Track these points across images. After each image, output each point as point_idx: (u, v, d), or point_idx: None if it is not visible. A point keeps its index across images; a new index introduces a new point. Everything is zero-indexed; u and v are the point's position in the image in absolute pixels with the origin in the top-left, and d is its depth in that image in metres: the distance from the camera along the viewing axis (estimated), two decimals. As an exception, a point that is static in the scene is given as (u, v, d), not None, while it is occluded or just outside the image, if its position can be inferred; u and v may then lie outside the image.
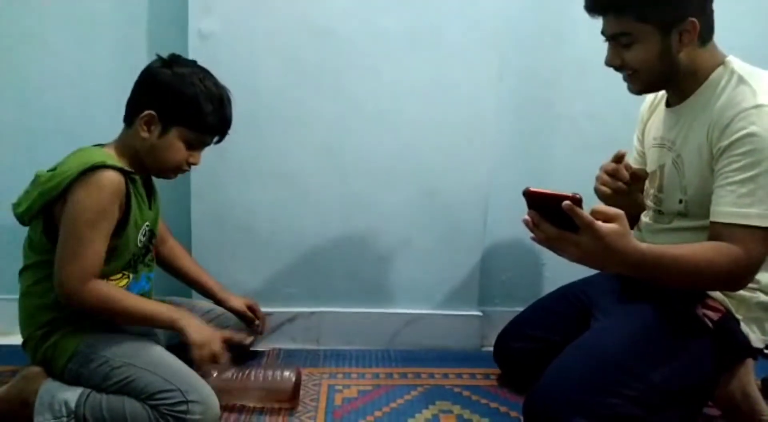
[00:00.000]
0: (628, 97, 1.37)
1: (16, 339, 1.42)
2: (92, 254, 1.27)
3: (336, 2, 1.69)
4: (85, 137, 1.36)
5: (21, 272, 1.37)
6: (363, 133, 1.77)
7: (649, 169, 1.44)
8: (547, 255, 1.84)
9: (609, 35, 1.27)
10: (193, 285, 1.65)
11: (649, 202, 1.44)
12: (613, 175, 1.36)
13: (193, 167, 1.45)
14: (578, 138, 1.90)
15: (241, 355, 1.66)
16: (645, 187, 1.44)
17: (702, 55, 1.26)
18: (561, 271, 1.65)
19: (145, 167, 1.38)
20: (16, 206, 1.33)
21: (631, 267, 1.08)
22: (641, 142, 1.52)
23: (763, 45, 1.73)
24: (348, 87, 1.74)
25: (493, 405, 1.55)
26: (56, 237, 1.28)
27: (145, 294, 1.48)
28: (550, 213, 1.03)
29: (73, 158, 1.30)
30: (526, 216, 1.08)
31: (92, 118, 1.71)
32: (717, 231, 1.18)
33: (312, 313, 1.85)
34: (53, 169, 1.30)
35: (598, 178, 1.39)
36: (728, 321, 1.26)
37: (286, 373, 1.48)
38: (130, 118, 1.36)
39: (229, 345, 1.60)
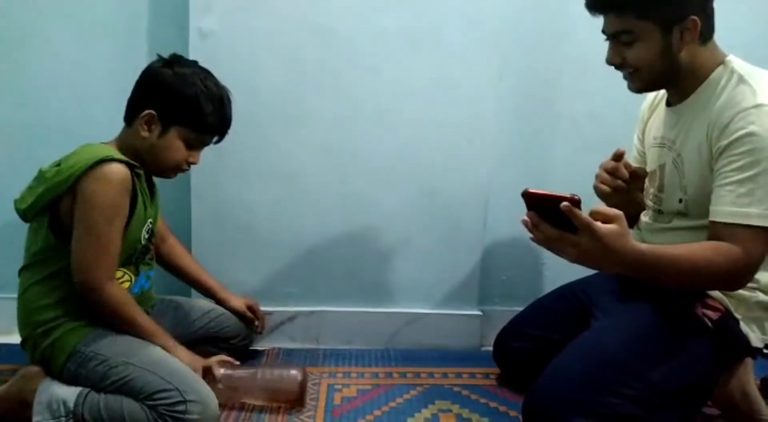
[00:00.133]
0: (628, 96, 1.37)
1: (16, 338, 1.42)
2: (114, 250, 1.30)
3: (336, 2, 1.69)
4: (85, 136, 1.36)
5: (21, 271, 1.38)
6: (363, 133, 1.77)
7: (649, 169, 1.44)
8: (547, 255, 1.84)
9: (610, 33, 1.27)
10: (193, 284, 1.65)
11: (649, 202, 1.43)
12: (612, 173, 1.36)
13: (192, 167, 1.45)
14: (578, 137, 1.90)
15: (241, 355, 1.67)
16: (645, 187, 1.44)
17: (702, 54, 1.26)
18: (561, 271, 1.65)
19: (144, 166, 1.38)
20: (18, 202, 1.33)
21: (630, 267, 1.08)
22: (641, 141, 1.52)
23: (763, 45, 1.73)
24: (348, 86, 1.74)
25: (492, 404, 1.55)
26: (63, 233, 1.29)
27: (145, 293, 1.48)
28: (548, 214, 1.03)
29: (79, 153, 1.30)
30: (525, 217, 1.08)
31: (92, 116, 1.71)
32: (716, 231, 1.18)
33: (312, 313, 1.85)
34: (57, 165, 1.30)
35: (597, 177, 1.38)
36: (728, 321, 1.26)
37: (293, 372, 1.48)
38: (130, 117, 1.37)
39: (229, 345, 1.61)
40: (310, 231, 1.81)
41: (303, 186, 1.78)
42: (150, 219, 1.41)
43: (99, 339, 1.33)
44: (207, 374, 1.38)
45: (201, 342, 1.58)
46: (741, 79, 1.21)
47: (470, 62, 1.74)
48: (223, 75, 1.43)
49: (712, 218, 1.19)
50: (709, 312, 1.26)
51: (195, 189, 1.75)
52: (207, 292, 1.65)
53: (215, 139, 1.44)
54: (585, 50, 1.77)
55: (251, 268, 1.81)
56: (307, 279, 1.83)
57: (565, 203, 0.99)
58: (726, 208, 1.16)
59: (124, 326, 1.34)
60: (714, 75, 1.26)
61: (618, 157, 1.35)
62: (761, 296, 1.27)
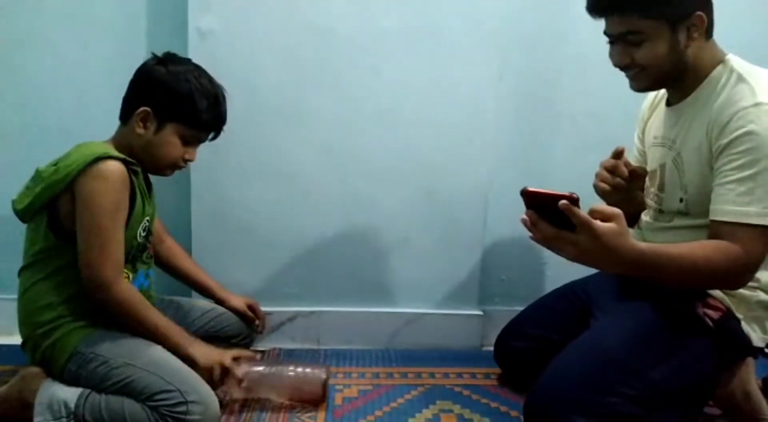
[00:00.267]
0: (628, 95, 1.36)
1: (16, 339, 1.42)
2: (119, 247, 1.30)
3: (336, 1, 1.69)
4: (85, 135, 1.36)
5: (20, 271, 1.38)
6: (363, 133, 1.77)
7: (649, 168, 1.43)
8: (548, 255, 1.83)
9: (616, 35, 1.25)
10: (193, 284, 1.65)
11: (649, 201, 1.43)
12: (612, 171, 1.36)
13: (189, 164, 1.45)
14: (578, 137, 1.90)
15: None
16: (645, 186, 1.44)
17: (705, 52, 1.26)
18: (561, 270, 1.65)
19: (141, 164, 1.39)
20: (15, 203, 1.33)
21: (629, 266, 1.08)
22: (642, 141, 1.52)
23: (764, 44, 1.73)
24: (348, 86, 1.74)
25: (493, 404, 1.55)
26: (62, 232, 1.29)
27: (145, 292, 1.48)
28: (547, 213, 1.03)
29: (76, 152, 1.30)
30: (524, 216, 1.08)
31: (91, 116, 1.71)
32: (716, 230, 1.18)
33: (312, 313, 1.85)
34: (54, 164, 1.31)
35: (597, 175, 1.38)
36: (729, 320, 1.26)
37: (317, 371, 1.49)
38: (125, 115, 1.37)
39: (229, 345, 1.61)
40: (310, 231, 1.81)
41: (303, 186, 1.78)
42: (147, 217, 1.41)
43: (100, 340, 1.33)
44: (225, 372, 1.38)
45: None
46: (740, 78, 1.21)
47: (470, 62, 1.74)
48: (222, 75, 1.43)
49: (712, 217, 1.19)
50: (710, 312, 1.26)
51: (195, 189, 1.75)
52: (206, 292, 1.65)
53: (211, 135, 1.44)
54: (585, 50, 1.77)
55: (251, 268, 1.81)
56: (307, 280, 1.83)
57: (563, 201, 0.99)
58: (726, 206, 1.16)
59: (135, 324, 1.33)
60: (714, 74, 1.26)
61: (617, 154, 1.35)
62: (762, 295, 1.27)
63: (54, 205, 1.29)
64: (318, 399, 1.47)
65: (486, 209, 1.83)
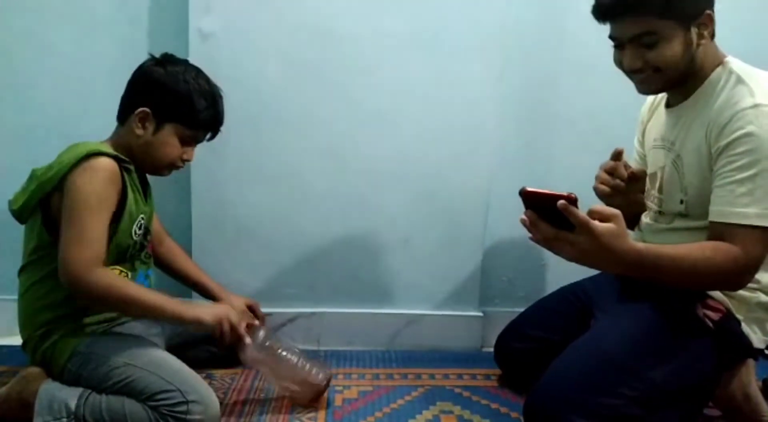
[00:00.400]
0: (628, 97, 1.37)
1: (16, 340, 1.42)
2: (96, 240, 1.26)
3: (337, 3, 1.70)
4: (85, 137, 1.36)
5: (20, 271, 1.38)
6: (364, 134, 1.77)
7: (649, 171, 1.43)
8: (548, 256, 1.84)
9: (629, 37, 1.23)
10: (193, 285, 1.65)
11: (650, 203, 1.43)
12: (611, 173, 1.36)
13: (189, 166, 1.45)
14: (579, 138, 1.90)
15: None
16: (646, 188, 1.44)
17: (708, 53, 1.26)
18: (562, 272, 1.65)
19: (139, 164, 1.39)
20: (12, 203, 1.34)
21: (628, 266, 1.08)
22: (642, 143, 1.52)
23: (764, 45, 1.73)
24: (348, 87, 1.74)
25: (493, 405, 1.54)
26: (56, 230, 1.29)
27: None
28: (546, 213, 1.04)
29: (69, 151, 1.31)
30: (523, 216, 1.08)
31: (92, 117, 1.70)
32: (716, 231, 1.18)
33: (312, 314, 1.85)
34: (48, 164, 1.31)
35: (597, 177, 1.38)
36: (729, 322, 1.26)
37: (320, 375, 1.48)
38: (123, 115, 1.38)
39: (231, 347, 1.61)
40: (310, 233, 1.81)
41: (303, 187, 1.78)
42: (142, 216, 1.41)
43: (99, 340, 1.33)
44: (235, 332, 1.37)
45: (201, 341, 1.59)
46: (739, 80, 1.21)
47: (471, 63, 1.74)
48: (223, 76, 1.43)
49: (711, 218, 1.19)
50: (710, 313, 1.26)
51: (195, 190, 1.75)
52: (206, 293, 1.64)
53: (208, 135, 1.44)
54: (585, 52, 1.78)
55: (252, 270, 1.81)
56: (307, 281, 1.84)
57: (561, 201, 0.99)
58: (725, 208, 1.16)
59: (126, 307, 1.30)
60: (713, 75, 1.26)
61: (616, 155, 1.35)
62: (762, 297, 1.27)
63: (47, 203, 1.30)
64: (312, 399, 1.48)
65: (486, 210, 1.83)
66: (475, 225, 1.84)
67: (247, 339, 1.40)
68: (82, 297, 1.28)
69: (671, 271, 1.13)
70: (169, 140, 1.37)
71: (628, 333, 1.27)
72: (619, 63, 1.29)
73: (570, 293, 1.60)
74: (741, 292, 1.25)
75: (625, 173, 1.36)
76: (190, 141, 1.41)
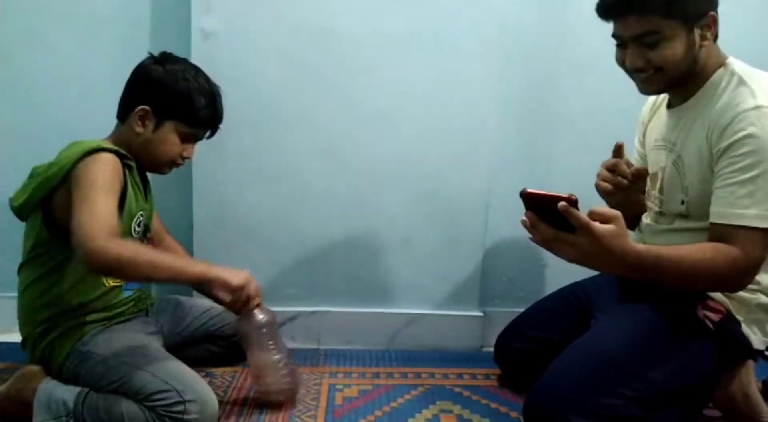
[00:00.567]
0: (629, 97, 1.37)
1: (15, 337, 1.42)
2: (110, 214, 1.22)
3: (337, 2, 1.70)
4: (86, 136, 1.36)
5: (20, 269, 1.38)
6: (364, 134, 1.77)
7: (650, 171, 1.43)
8: (548, 256, 1.84)
9: (632, 36, 1.23)
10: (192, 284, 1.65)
11: (650, 204, 1.43)
12: (612, 170, 1.36)
13: (191, 165, 1.45)
14: (579, 138, 1.90)
15: (242, 353, 1.67)
16: (646, 189, 1.44)
17: (710, 55, 1.26)
18: (562, 272, 1.65)
19: (139, 162, 1.40)
20: (13, 200, 1.34)
21: (628, 267, 1.08)
22: (642, 144, 1.51)
23: (766, 46, 1.73)
24: (349, 87, 1.74)
25: (493, 405, 1.54)
26: (56, 227, 1.29)
27: (145, 289, 1.49)
28: (547, 214, 1.04)
29: (70, 148, 1.31)
30: (524, 217, 1.08)
31: (94, 117, 1.68)
32: (716, 232, 1.18)
33: (313, 313, 1.85)
34: (49, 162, 1.31)
35: (598, 175, 1.38)
36: (729, 323, 1.26)
37: (280, 388, 1.46)
38: (123, 114, 1.38)
39: (229, 343, 1.61)
40: (311, 232, 1.81)
41: (304, 187, 1.78)
42: (141, 213, 1.41)
43: (98, 339, 1.33)
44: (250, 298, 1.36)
45: (200, 340, 1.59)
46: (741, 81, 1.21)
47: (471, 63, 1.74)
48: (224, 75, 1.43)
49: (712, 219, 1.19)
50: (710, 314, 1.26)
51: (196, 190, 1.75)
52: (206, 291, 1.65)
53: (207, 133, 1.45)
54: (585, 52, 1.78)
55: (252, 269, 1.76)
56: (308, 280, 1.84)
57: (561, 203, 0.99)
58: (726, 209, 1.16)
59: (149, 272, 1.24)
60: (715, 77, 1.26)
61: (617, 150, 1.35)
62: (763, 298, 1.27)
63: (48, 201, 1.30)
64: (281, 400, 1.47)
65: (487, 210, 1.83)
66: (476, 225, 1.84)
67: (257, 311, 1.39)
68: (103, 268, 1.22)
69: (671, 272, 1.12)
70: (169, 138, 1.38)
71: (628, 333, 1.27)
72: (621, 62, 1.29)
73: (570, 293, 1.60)
74: (741, 293, 1.25)
75: (626, 170, 1.35)
76: (190, 138, 1.41)
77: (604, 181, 1.37)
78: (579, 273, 1.38)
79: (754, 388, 1.36)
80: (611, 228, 1.03)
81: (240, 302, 1.34)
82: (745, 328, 1.26)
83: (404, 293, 1.87)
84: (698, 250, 1.15)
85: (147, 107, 1.35)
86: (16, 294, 1.38)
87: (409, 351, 1.85)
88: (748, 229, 1.13)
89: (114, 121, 1.41)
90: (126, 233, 1.37)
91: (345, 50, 1.72)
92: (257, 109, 1.71)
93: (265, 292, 1.76)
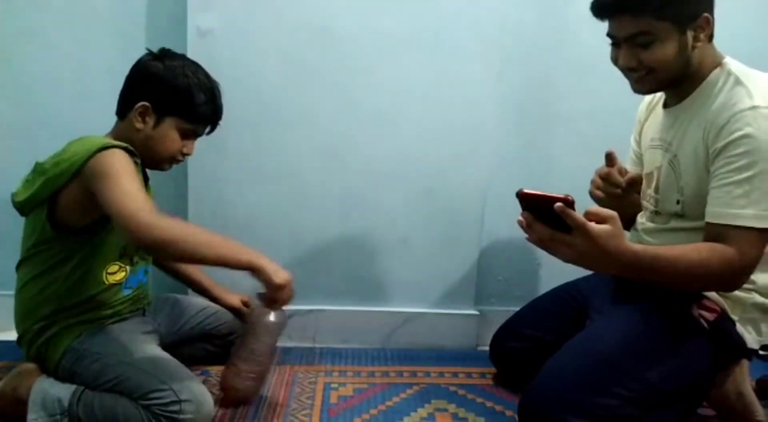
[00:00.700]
0: (627, 97, 1.36)
1: (11, 335, 1.42)
2: (144, 194, 1.22)
3: (336, 1, 1.69)
4: (83, 134, 1.35)
5: (19, 265, 1.37)
6: (362, 133, 1.77)
7: (646, 170, 1.44)
8: (544, 256, 1.83)
9: (624, 36, 1.24)
10: (189, 282, 1.65)
11: (646, 203, 1.43)
12: (606, 179, 1.36)
13: (187, 163, 1.45)
14: (577, 138, 1.90)
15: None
16: (642, 188, 1.44)
17: (706, 55, 1.26)
18: (557, 271, 1.65)
19: (139, 158, 1.39)
20: (15, 196, 1.33)
21: (624, 268, 1.09)
22: (638, 143, 1.51)
23: (764, 47, 1.74)
24: (347, 86, 1.74)
25: (488, 404, 1.55)
26: (60, 225, 1.29)
27: (144, 288, 1.49)
28: (543, 215, 1.04)
29: (78, 144, 1.29)
30: (520, 217, 1.08)
31: (90, 114, 1.68)
32: (712, 232, 1.18)
33: (309, 311, 1.84)
34: (54, 157, 1.30)
35: (592, 182, 1.39)
36: (724, 322, 1.26)
37: (241, 392, 1.44)
38: (123, 110, 1.38)
39: (225, 342, 1.62)
40: (307, 231, 1.81)
41: (301, 185, 1.78)
42: None
43: (95, 337, 1.33)
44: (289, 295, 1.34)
45: (196, 339, 1.59)
46: (737, 81, 1.21)
47: (470, 63, 1.75)
48: (221, 74, 1.43)
49: (708, 219, 1.20)
50: (705, 313, 1.26)
51: (192, 188, 1.74)
52: (202, 290, 1.65)
53: (207, 129, 1.44)
54: (584, 52, 1.78)
55: (249, 267, 1.80)
56: (304, 278, 1.81)
57: (558, 204, 0.99)
58: (722, 209, 1.16)
59: (194, 255, 1.23)
60: (711, 76, 1.26)
61: (608, 158, 1.36)
62: (758, 297, 1.27)
63: (55, 198, 1.29)
64: (223, 383, 1.45)
65: (484, 210, 1.84)
66: (473, 225, 1.84)
67: (276, 313, 1.39)
68: (156, 242, 1.18)
69: (667, 273, 1.13)
70: (169, 134, 1.37)
71: (623, 333, 1.28)
72: (615, 61, 1.29)
73: (565, 293, 1.61)
74: (736, 293, 1.25)
75: (619, 179, 1.36)
76: (190, 134, 1.41)
77: (597, 189, 1.37)
78: (574, 272, 1.38)
79: (749, 387, 1.36)
80: (607, 228, 1.03)
81: (273, 299, 1.33)
82: (739, 327, 1.27)
83: (400, 292, 1.87)
84: (694, 250, 1.15)
85: (147, 103, 1.34)
86: (11, 292, 1.38)
87: (405, 349, 1.85)
88: (744, 229, 1.14)
89: (111, 118, 1.40)
90: None
91: (344, 49, 1.71)
92: (255, 108, 1.71)
93: (258, 289, 1.78)
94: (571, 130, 1.91)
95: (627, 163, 1.53)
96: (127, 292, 1.43)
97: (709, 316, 1.26)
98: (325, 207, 1.80)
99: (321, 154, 1.77)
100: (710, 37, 1.25)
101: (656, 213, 1.39)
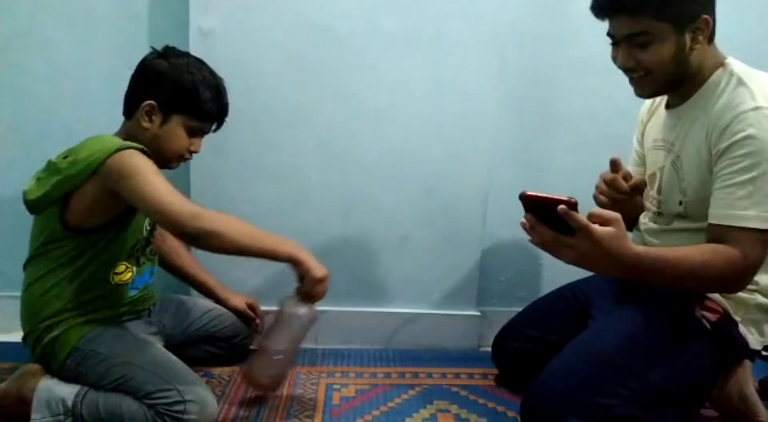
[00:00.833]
0: (627, 96, 1.36)
1: (15, 337, 1.42)
2: (175, 188, 1.23)
3: (337, 1, 1.69)
4: (84, 134, 1.35)
5: (26, 263, 1.37)
6: (363, 132, 1.77)
7: (648, 171, 1.44)
8: (546, 256, 1.82)
9: (623, 36, 1.24)
10: (194, 284, 1.65)
11: (648, 204, 1.44)
12: (611, 185, 1.36)
13: (189, 162, 1.46)
14: (578, 137, 1.90)
15: (241, 354, 1.67)
16: (645, 189, 1.44)
17: (706, 56, 1.26)
18: (559, 272, 1.64)
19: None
20: (27, 194, 1.32)
21: (628, 270, 1.09)
22: (641, 143, 1.52)
23: (764, 46, 1.74)
24: (348, 85, 1.74)
25: (490, 405, 1.55)
26: (71, 225, 1.29)
27: (150, 289, 1.49)
28: (546, 217, 1.04)
29: (92, 143, 1.28)
30: (523, 219, 1.08)
31: (92, 115, 1.70)
32: (715, 233, 1.18)
33: (311, 312, 1.84)
34: (66, 156, 1.29)
35: (597, 187, 1.39)
36: (726, 323, 1.26)
37: (266, 381, 1.46)
38: (129, 110, 1.38)
39: (229, 344, 1.62)
40: (309, 231, 1.80)
41: (302, 185, 1.78)
42: None
43: (100, 337, 1.33)
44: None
45: (201, 340, 1.59)
46: (740, 82, 1.21)
47: (470, 62, 1.74)
48: (222, 74, 1.43)
49: (710, 220, 1.20)
50: (707, 314, 1.26)
51: (194, 188, 1.74)
52: (207, 292, 1.65)
53: (214, 126, 1.45)
54: (584, 51, 1.78)
55: (251, 267, 1.79)
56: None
57: (561, 206, 0.99)
58: (724, 210, 1.16)
59: (236, 247, 1.26)
60: (713, 77, 1.26)
61: (614, 166, 1.36)
62: (760, 298, 1.27)
63: (67, 198, 1.28)
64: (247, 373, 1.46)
65: (485, 209, 1.84)
66: (474, 225, 1.84)
67: (309, 306, 1.40)
68: (200, 234, 1.20)
69: (670, 274, 1.13)
70: (176, 132, 1.37)
71: (625, 333, 1.28)
72: (614, 60, 1.30)
73: (567, 293, 1.61)
74: (739, 294, 1.25)
75: (624, 185, 1.36)
76: (197, 132, 1.41)
77: (602, 194, 1.38)
78: (576, 273, 1.37)
79: (751, 388, 1.36)
80: (610, 230, 1.03)
81: (309, 294, 1.35)
82: (742, 328, 1.27)
83: (402, 292, 1.88)
84: (697, 252, 1.15)
85: (153, 102, 1.34)
86: (15, 293, 1.38)
87: (407, 350, 1.85)
88: (747, 231, 1.14)
89: (112, 118, 1.40)
90: (138, 231, 1.38)
91: (345, 49, 1.71)
92: (256, 108, 1.71)
93: (263, 291, 1.79)
94: (571, 130, 1.90)
95: (629, 163, 1.53)
96: (133, 293, 1.43)
97: (712, 317, 1.26)
98: (325, 205, 1.80)
99: (321, 152, 1.77)
100: (710, 39, 1.25)
101: (659, 213, 1.39)
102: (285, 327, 1.41)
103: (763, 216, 1.13)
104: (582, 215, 1.02)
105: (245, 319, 1.67)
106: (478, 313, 1.91)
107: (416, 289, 1.88)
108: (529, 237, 1.10)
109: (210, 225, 1.20)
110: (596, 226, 1.02)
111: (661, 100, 1.42)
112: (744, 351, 1.28)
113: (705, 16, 1.20)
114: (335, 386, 1.61)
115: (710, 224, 1.20)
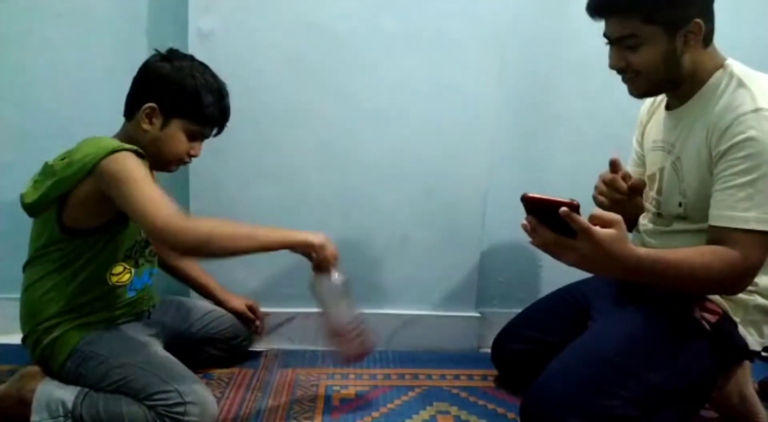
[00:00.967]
0: (627, 97, 1.36)
1: (15, 339, 1.42)
2: (166, 197, 1.23)
3: (336, 1, 1.69)
4: (84, 134, 1.35)
5: (25, 265, 1.37)
6: (362, 132, 1.77)
7: (648, 172, 1.44)
8: (545, 257, 1.82)
9: (614, 38, 1.26)
10: (194, 285, 1.65)
11: (648, 205, 1.44)
12: (610, 185, 1.36)
13: (188, 164, 1.45)
14: (577, 138, 1.90)
15: (240, 355, 1.67)
16: (645, 190, 1.44)
17: (704, 58, 1.26)
18: (559, 273, 1.64)
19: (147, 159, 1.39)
20: (24, 197, 1.32)
21: (629, 271, 1.09)
22: (640, 144, 1.52)
23: (764, 46, 1.74)
24: (348, 85, 1.74)
25: (490, 406, 1.55)
26: (68, 227, 1.29)
27: (149, 290, 1.49)
28: (547, 219, 1.04)
29: (88, 145, 1.29)
30: (524, 221, 1.08)
31: (91, 116, 1.70)
32: (715, 235, 1.19)
33: (310, 314, 1.83)
34: (63, 158, 1.29)
35: (596, 188, 1.39)
36: (726, 324, 1.26)
37: (354, 348, 1.47)
38: (130, 112, 1.37)
39: (229, 346, 1.61)
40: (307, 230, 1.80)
41: (301, 185, 1.78)
42: None
43: (100, 339, 1.33)
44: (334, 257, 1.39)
45: (200, 342, 1.59)
46: (740, 83, 1.21)
47: (470, 62, 1.74)
48: (222, 74, 1.43)
49: (711, 222, 1.20)
50: (707, 315, 1.26)
51: (193, 188, 1.74)
52: (207, 294, 1.65)
53: (215, 131, 1.44)
54: (584, 51, 1.78)
55: (250, 269, 1.81)
56: (306, 280, 1.81)
57: (563, 208, 0.99)
58: (725, 212, 1.16)
59: (236, 243, 1.26)
60: (713, 79, 1.26)
61: (613, 167, 1.36)
62: (760, 299, 1.27)
63: (64, 199, 1.28)
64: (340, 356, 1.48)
65: (485, 210, 1.83)
66: (473, 226, 1.84)
67: (334, 271, 1.41)
68: (191, 248, 1.23)
69: (670, 276, 1.13)
70: (176, 135, 1.37)
71: (625, 334, 1.28)
72: (609, 60, 1.30)
73: (567, 294, 1.61)
74: (739, 295, 1.25)
75: (623, 186, 1.36)
76: (197, 136, 1.41)
77: (601, 194, 1.38)
78: (576, 274, 1.38)
79: (751, 389, 1.36)
80: (612, 232, 1.03)
81: (323, 261, 1.36)
82: (741, 329, 1.27)
83: (402, 294, 1.87)
84: (697, 254, 1.15)
85: (154, 105, 1.34)
86: (14, 295, 1.38)
87: (407, 352, 1.85)
88: (747, 232, 1.14)
89: (111, 119, 1.40)
90: (136, 232, 1.38)
91: (344, 49, 1.71)
92: (256, 108, 1.71)
93: (263, 293, 1.79)
94: (570, 130, 1.90)
95: (629, 164, 1.53)
96: (131, 294, 1.43)
97: (711, 318, 1.26)
98: (325, 205, 1.80)
99: (321, 152, 1.77)
100: (706, 41, 1.25)
101: (659, 215, 1.39)
102: (332, 301, 1.43)
103: (763, 218, 1.13)
104: (583, 217, 1.02)
105: (245, 321, 1.67)
106: (478, 315, 1.91)
107: (416, 291, 1.88)
108: (529, 239, 1.10)
109: (199, 237, 1.21)
110: (597, 228, 1.02)
111: (661, 101, 1.43)
112: (743, 352, 1.28)
113: (697, 20, 1.20)
114: (335, 387, 1.61)
115: (710, 226, 1.20)
